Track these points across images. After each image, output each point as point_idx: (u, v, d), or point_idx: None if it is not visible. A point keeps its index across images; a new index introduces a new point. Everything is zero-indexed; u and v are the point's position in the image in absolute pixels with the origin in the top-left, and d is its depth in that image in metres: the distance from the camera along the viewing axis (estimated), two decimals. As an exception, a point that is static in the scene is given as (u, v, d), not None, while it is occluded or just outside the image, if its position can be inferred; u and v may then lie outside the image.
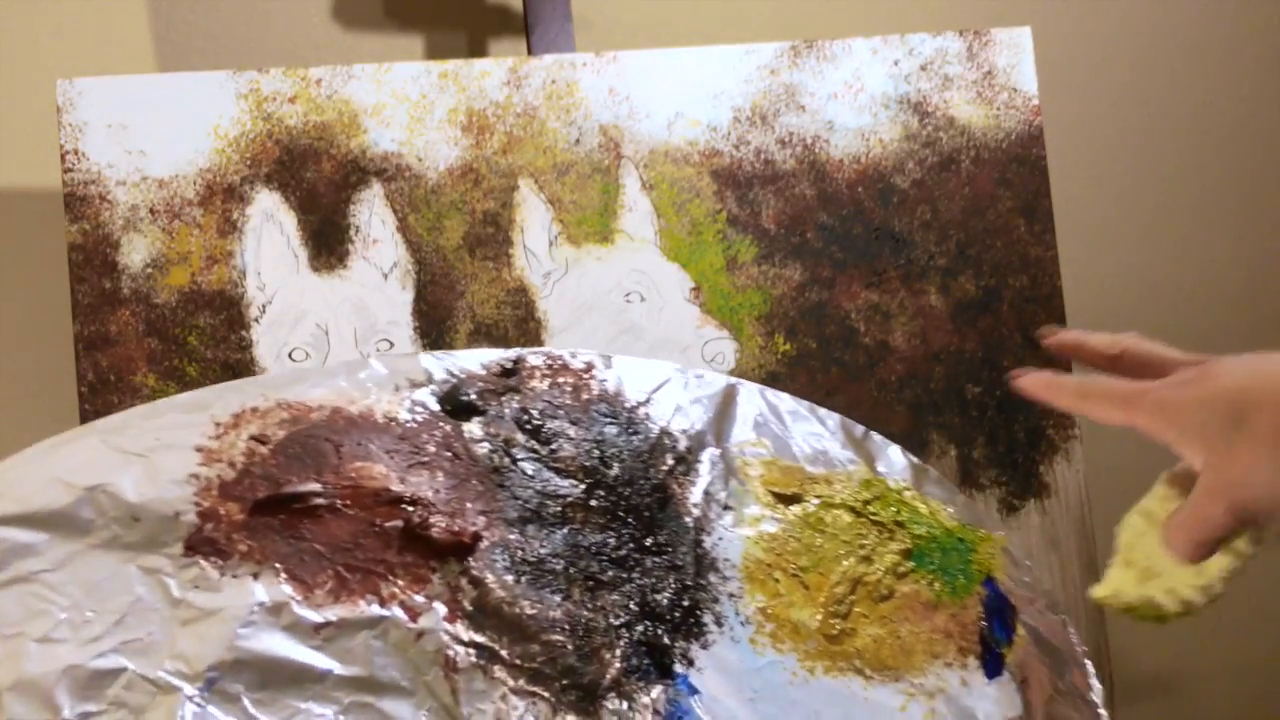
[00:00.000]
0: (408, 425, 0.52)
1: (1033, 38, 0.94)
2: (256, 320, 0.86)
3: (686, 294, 0.91)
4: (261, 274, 0.87)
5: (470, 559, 0.46)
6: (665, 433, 0.54)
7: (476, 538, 0.47)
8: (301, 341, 0.86)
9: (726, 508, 0.52)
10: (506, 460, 0.51)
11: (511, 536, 0.47)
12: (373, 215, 0.88)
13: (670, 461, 0.52)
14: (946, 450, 0.92)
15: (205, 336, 0.86)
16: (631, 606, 0.45)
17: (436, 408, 0.53)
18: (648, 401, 0.56)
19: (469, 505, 0.48)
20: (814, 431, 0.57)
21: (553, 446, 0.51)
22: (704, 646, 0.45)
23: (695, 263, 0.91)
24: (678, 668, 0.44)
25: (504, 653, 0.43)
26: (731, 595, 0.49)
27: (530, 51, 0.96)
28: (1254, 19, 1.28)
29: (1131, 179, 1.25)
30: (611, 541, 0.48)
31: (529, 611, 0.44)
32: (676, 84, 0.92)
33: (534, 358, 0.55)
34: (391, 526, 0.48)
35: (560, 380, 0.54)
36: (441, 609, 0.45)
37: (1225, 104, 1.27)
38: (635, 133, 0.91)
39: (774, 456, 0.55)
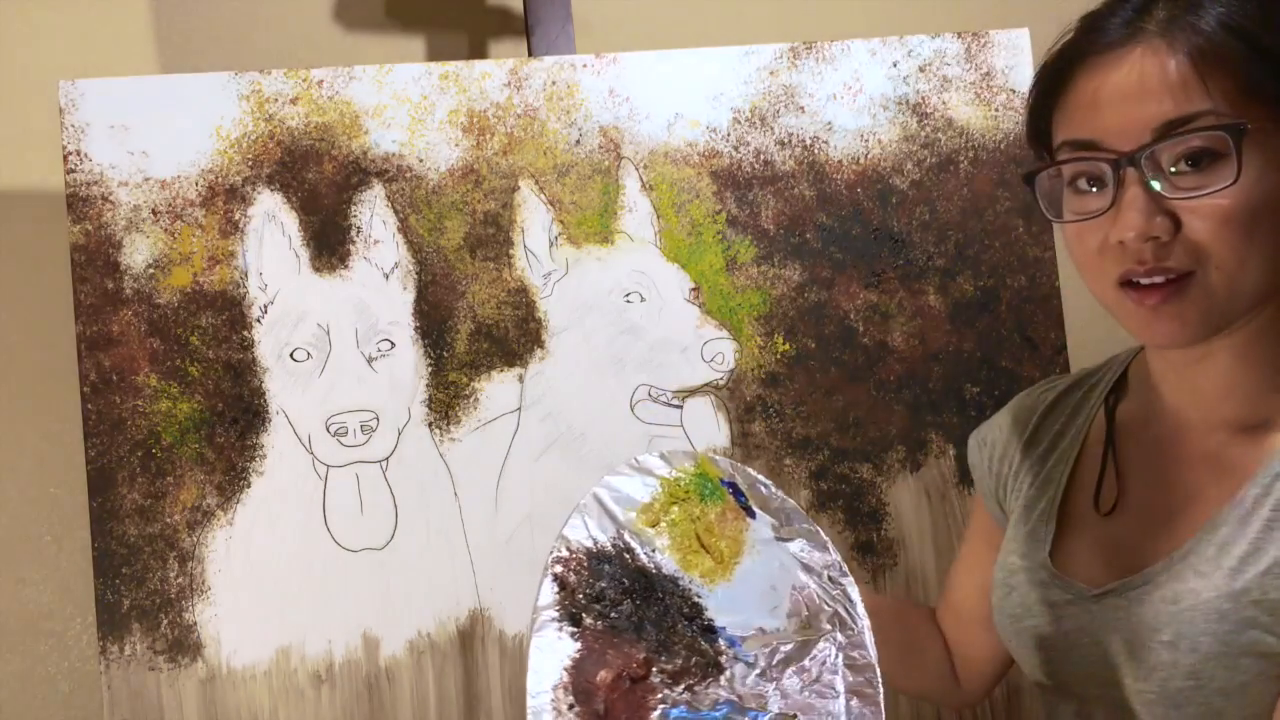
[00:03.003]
0: None
1: (1031, 39, 0.94)
2: (258, 320, 0.87)
3: (686, 294, 0.91)
4: (263, 274, 0.87)
5: None
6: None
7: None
8: (303, 341, 0.87)
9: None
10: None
11: None
12: (374, 216, 0.88)
13: None
14: (945, 450, 0.92)
15: (207, 336, 0.86)
16: None
17: None
18: None
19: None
20: None
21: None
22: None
23: (695, 263, 0.92)
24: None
25: None
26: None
27: (531, 53, 0.96)
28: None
29: (1130, 180, 1.25)
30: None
31: None
32: (676, 85, 0.93)
33: None
34: None
35: None
36: None
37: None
38: (635, 134, 0.92)
39: None
